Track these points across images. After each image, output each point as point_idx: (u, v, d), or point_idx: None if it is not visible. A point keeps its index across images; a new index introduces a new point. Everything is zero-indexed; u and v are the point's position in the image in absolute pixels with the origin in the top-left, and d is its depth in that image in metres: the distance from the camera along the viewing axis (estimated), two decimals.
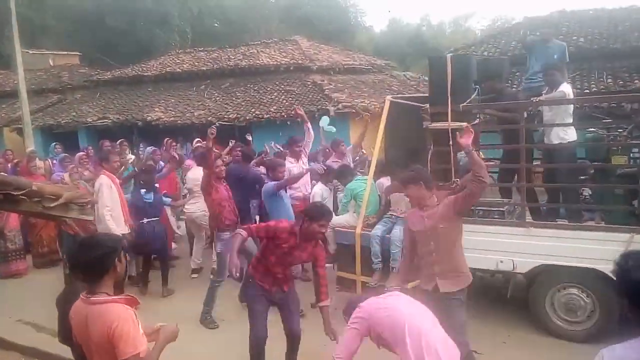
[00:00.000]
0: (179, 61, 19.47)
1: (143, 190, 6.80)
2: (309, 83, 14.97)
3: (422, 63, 28.10)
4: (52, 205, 3.46)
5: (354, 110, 12.82)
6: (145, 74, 18.79)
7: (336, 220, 5.77)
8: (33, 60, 21.53)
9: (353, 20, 38.82)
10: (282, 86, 15.34)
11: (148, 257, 6.90)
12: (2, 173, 6.99)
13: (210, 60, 18.57)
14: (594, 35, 12.58)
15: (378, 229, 5.57)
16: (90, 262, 2.47)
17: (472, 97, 5.33)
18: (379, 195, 6.09)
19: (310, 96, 14.10)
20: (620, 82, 10.49)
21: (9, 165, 9.92)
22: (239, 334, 4.63)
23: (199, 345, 5.11)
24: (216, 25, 34.46)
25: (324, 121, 8.71)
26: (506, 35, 14.38)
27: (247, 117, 13.95)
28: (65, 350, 3.85)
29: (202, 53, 19.99)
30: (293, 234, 4.00)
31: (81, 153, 9.34)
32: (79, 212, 3.79)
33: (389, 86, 16.91)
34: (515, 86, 6.80)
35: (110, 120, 16.02)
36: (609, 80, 10.69)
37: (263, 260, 4.16)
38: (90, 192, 6.16)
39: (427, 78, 20.05)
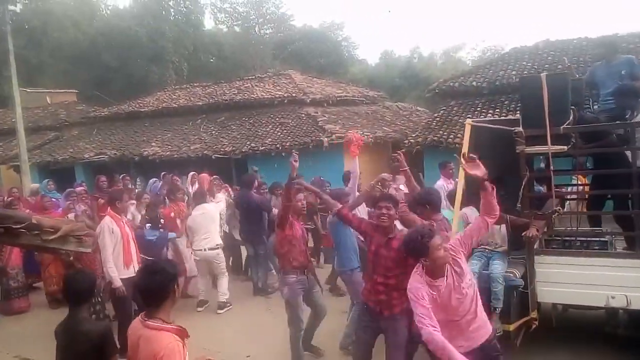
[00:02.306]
0: (174, 96, 19.79)
1: (148, 225, 6.82)
2: (303, 115, 15.22)
3: (414, 94, 28.68)
4: (50, 238, 3.55)
5: None
6: (142, 109, 19.07)
7: None
8: (30, 98, 21.87)
9: (346, 53, 39.63)
10: (277, 119, 15.58)
11: None
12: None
13: (206, 95, 18.89)
14: (579, 64, 12.87)
15: (474, 265, 4.96)
16: (152, 287, 2.58)
17: (570, 119, 4.92)
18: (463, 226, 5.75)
19: (304, 128, 14.33)
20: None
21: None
22: None
23: None
24: (211, 60, 35.11)
25: None
26: (494, 65, 14.71)
27: (243, 150, 14.14)
28: None
29: (197, 88, 20.34)
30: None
31: (81, 188, 9.43)
32: (76, 244, 3.87)
33: (382, 117, 17.22)
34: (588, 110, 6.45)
35: (107, 156, 16.17)
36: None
37: (367, 269, 4.22)
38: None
39: (419, 109, 20.50)
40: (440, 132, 12.19)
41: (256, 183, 8.48)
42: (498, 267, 4.86)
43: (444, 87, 14.14)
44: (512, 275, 4.76)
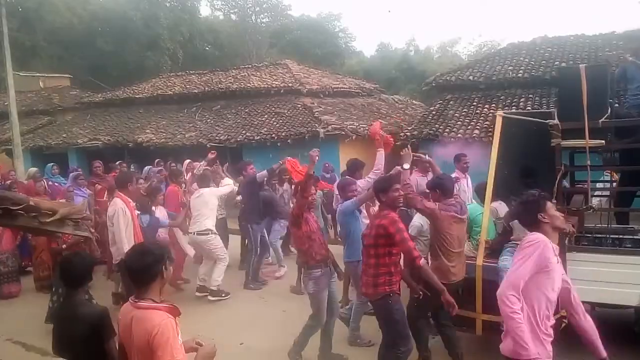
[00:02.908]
0: (170, 84, 19.67)
1: (137, 212, 6.81)
2: (299, 106, 15.19)
3: (409, 87, 28.70)
4: (47, 220, 3.54)
5: (343, 132, 13.03)
6: (137, 96, 18.96)
7: None
8: (23, 82, 21.66)
9: (343, 45, 39.54)
10: (273, 109, 15.55)
11: None
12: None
13: (202, 83, 18.80)
14: (576, 60, 12.91)
15: (507, 260, 4.64)
16: (140, 268, 2.60)
17: (608, 113, 4.78)
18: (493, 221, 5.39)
19: (300, 118, 14.31)
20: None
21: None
22: None
23: None
24: (207, 48, 34.92)
25: None
26: (491, 60, 14.74)
27: (238, 139, 14.11)
28: None
29: (193, 76, 20.24)
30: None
31: (77, 173, 9.35)
32: (73, 228, 3.87)
33: (378, 109, 17.21)
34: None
35: (100, 142, 16.09)
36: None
37: (392, 259, 4.15)
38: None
39: (415, 102, 20.52)
40: (436, 125, 12.21)
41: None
42: None
43: (440, 81, 14.16)
44: None
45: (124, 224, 5.75)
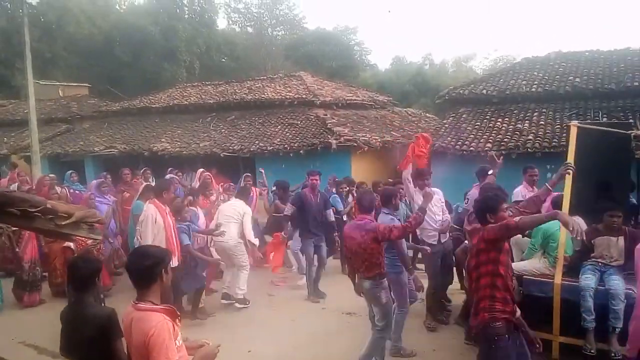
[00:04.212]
0: (185, 94, 19.93)
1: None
2: (312, 117, 15.28)
3: (422, 101, 28.70)
4: (63, 223, 3.62)
5: (355, 144, 13.08)
6: (153, 105, 19.23)
7: (521, 266, 4.95)
8: (43, 90, 22.14)
9: (358, 58, 39.70)
10: (286, 120, 15.67)
11: None
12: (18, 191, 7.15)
13: (217, 94, 19.01)
14: (590, 75, 12.93)
15: (589, 279, 4.53)
16: (140, 270, 2.69)
17: None
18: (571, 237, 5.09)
19: (313, 130, 14.40)
20: (615, 121, 10.72)
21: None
22: None
23: None
24: (223, 60, 35.34)
25: None
26: (505, 74, 14.74)
27: (251, 149, 14.23)
28: None
29: (208, 86, 20.49)
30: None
31: (102, 180, 9.42)
32: (88, 231, 3.94)
33: (391, 122, 17.25)
34: None
35: (117, 150, 16.31)
36: (604, 118, 10.97)
37: (500, 278, 3.52)
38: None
39: (428, 115, 20.48)
40: (449, 138, 12.22)
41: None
42: (619, 283, 4.45)
43: (454, 94, 14.18)
44: (632, 292, 4.34)
45: (151, 232, 5.78)
